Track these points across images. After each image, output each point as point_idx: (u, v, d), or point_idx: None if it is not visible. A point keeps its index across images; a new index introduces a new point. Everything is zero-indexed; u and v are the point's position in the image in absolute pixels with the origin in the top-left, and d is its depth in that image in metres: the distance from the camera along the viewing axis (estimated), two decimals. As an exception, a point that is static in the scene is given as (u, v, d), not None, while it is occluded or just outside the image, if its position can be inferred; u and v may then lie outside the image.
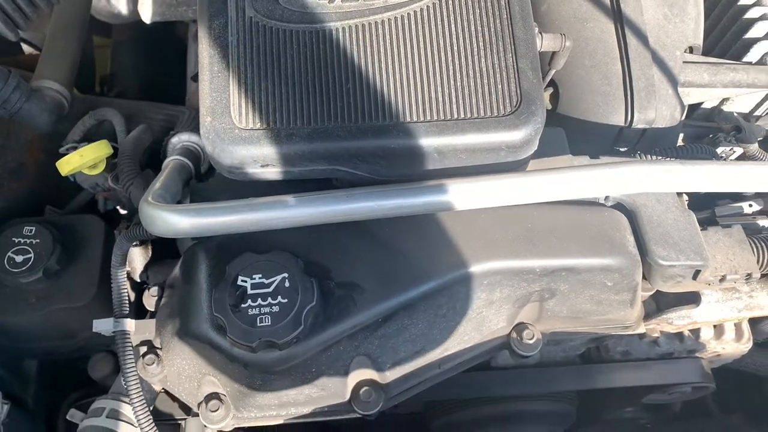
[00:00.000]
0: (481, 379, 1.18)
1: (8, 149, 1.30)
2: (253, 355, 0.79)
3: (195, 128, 1.02)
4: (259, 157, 0.78)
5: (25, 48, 1.74)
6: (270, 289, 0.78)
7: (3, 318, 1.06)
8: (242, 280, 0.78)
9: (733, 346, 1.20)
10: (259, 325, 0.76)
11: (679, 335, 1.16)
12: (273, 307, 0.77)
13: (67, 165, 0.95)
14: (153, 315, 1.01)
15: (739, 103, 1.20)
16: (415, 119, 0.79)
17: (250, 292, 0.77)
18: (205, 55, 0.80)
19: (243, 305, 0.77)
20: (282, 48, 0.80)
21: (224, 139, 0.77)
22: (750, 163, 0.83)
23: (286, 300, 0.77)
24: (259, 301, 0.77)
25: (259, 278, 0.78)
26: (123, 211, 1.26)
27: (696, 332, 1.16)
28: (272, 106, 0.78)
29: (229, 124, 0.78)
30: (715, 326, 1.17)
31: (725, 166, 0.80)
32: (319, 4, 0.82)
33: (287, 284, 0.78)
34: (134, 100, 1.44)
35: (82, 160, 0.94)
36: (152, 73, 1.85)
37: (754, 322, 1.30)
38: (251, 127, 0.78)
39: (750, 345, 1.21)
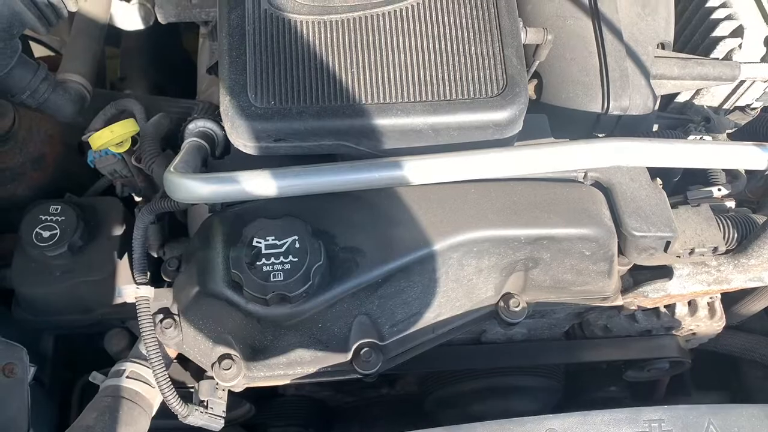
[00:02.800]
0: (473, 351, 1.26)
1: (30, 141, 1.39)
2: (266, 309, 0.88)
3: (210, 116, 1.11)
4: (273, 131, 0.87)
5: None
6: (282, 250, 0.86)
7: (30, 289, 1.14)
8: (257, 241, 0.86)
9: (707, 324, 1.29)
10: (272, 280, 0.85)
11: (656, 311, 1.25)
12: (285, 265, 0.85)
13: (99, 139, 1.04)
14: (169, 286, 1.10)
15: (709, 97, 1.30)
16: (412, 99, 0.88)
17: (264, 251, 0.86)
18: (225, 42, 0.90)
19: (258, 263, 0.85)
20: (293, 36, 0.90)
21: (241, 115, 0.87)
22: (706, 142, 0.93)
23: (296, 259, 0.86)
24: (272, 259, 0.86)
25: (272, 240, 0.87)
26: (138, 198, 1.35)
27: (671, 309, 1.25)
28: (285, 86, 0.88)
29: (246, 102, 0.87)
30: (689, 303, 1.27)
31: (685, 144, 0.90)
32: (326, -2, 0.92)
33: (297, 245, 0.86)
34: (140, 95, 1.54)
35: (112, 135, 1.03)
36: (159, 77, 1.95)
37: (728, 305, 1.40)
38: (265, 105, 0.87)
39: (722, 323, 1.30)
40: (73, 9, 1.17)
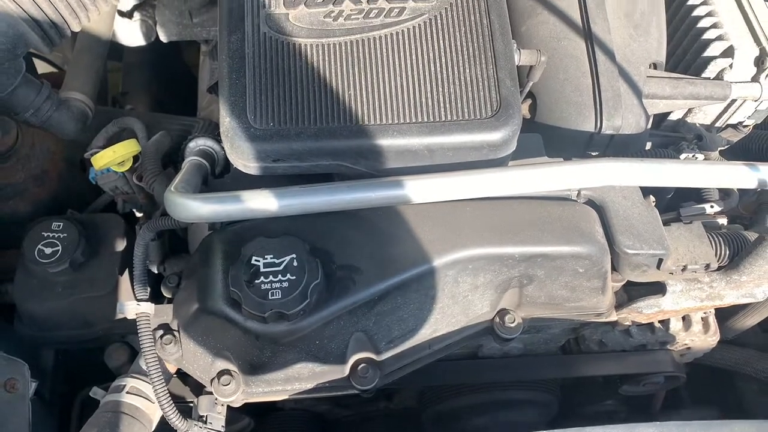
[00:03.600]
0: (470, 366, 1.27)
1: (33, 158, 1.41)
2: (264, 326, 0.89)
3: (210, 135, 1.13)
4: (272, 152, 0.89)
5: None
6: (280, 268, 0.88)
7: (31, 305, 1.16)
8: (255, 260, 0.88)
9: (701, 339, 1.31)
10: (270, 298, 0.86)
11: (651, 326, 1.27)
12: (283, 283, 0.87)
13: (101, 159, 1.06)
14: (170, 301, 1.11)
15: (702, 115, 1.32)
16: (408, 120, 0.90)
17: (262, 270, 0.88)
18: (225, 65, 0.92)
19: (256, 281, 0.87)
20: (292, 59, 0.92)
21: (241, 136, 0.89)
22: (695, 162, 0.95)
23: (294, 277, 0.87)
24: (271, 278, 0.87)
25: (271, 258, 0.88)
26: (139, 214, 1.37)
27: (666, 324, 1.27)
28: (283, 108, 0.90)
29: (246, 124, 0.89)
30: (683, 318, 1.28)
31: (674, 164, 0.92)
32: (324, 22, 0.94)
33: (295, 264, 0.88)
34: (141, 112, 1.56)
35: (114, 156, 1.05)
36: (161, 92, 1.98)
37: (722, 319, 1.41)
38: (265, 126, 0.89)
39: (716, 338, 1.32)
40: (76, 29, 1.19)
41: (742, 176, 0.95)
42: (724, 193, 1.24)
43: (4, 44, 1.09)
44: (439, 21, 0.95)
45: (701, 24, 1.27)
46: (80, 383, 1.42)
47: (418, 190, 0.91)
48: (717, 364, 1.49)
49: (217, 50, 0.96)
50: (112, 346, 1.27)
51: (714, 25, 1.26)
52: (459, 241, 0.96)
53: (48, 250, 1.14)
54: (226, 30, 0.93)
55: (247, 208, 0.88)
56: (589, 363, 1.31)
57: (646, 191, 1.10)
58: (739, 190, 1.26)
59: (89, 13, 1.18)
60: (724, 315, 1.41)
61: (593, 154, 1.14)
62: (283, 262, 0.88)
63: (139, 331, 1.02)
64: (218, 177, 1.08)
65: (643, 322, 1.23)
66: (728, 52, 1.23)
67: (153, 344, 1.01)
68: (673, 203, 1.23)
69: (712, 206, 1.21)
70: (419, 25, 0.95)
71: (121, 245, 1.22)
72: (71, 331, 1.22)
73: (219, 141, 1.09)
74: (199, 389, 1.17)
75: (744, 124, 1.38)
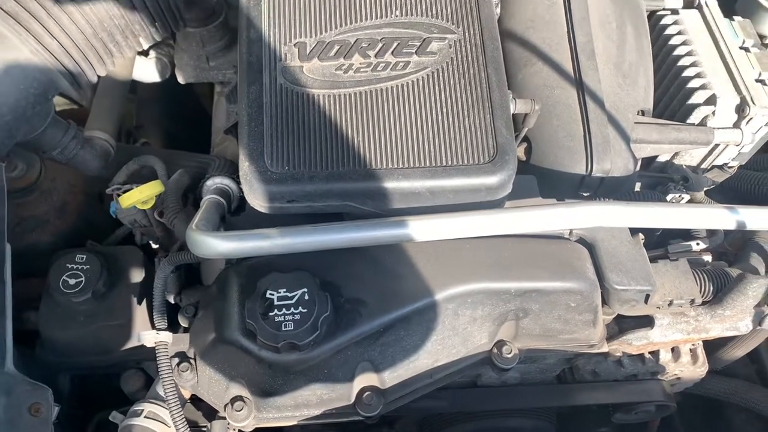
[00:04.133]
0: (469, 394, 1.33)
1: (54, 191, 1.49)
2: (277, 355, 0.96)
3: (225, 173, 1.21)
4: (287, 194, 0.97)
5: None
6: (293, 301, 0.95)
7: (55, 332, 1.22)
8: (270, 293, 0.95)
9: (690, 369, 1.37)
10: (283, 329, 0.93)
11: (641, 357, 1.33)
12: (295, 315, 0.94)
13: (128, 199, 1.14)
14: (186, 330, 1.18)
15: (688, 157, 1.40)
16: (412, 165, 0.98)
17: (276, 303, 0.95)
18: (244, 113, 1.00)
19: (270, 313, 0.94)
20: (306, 108, 1.00)
21: (259, 179, 0.96)
22: (678, 205, 1.02)
23: (305, 310, 0.94)
24: (284, 310, 0.94)
25: (284, 292, 0.95)
26: (155, 246, 1.44)
27: (656, 355, 1.33)
28: (298, 153, 0.98)
29: (263, 168, 0.97)
30: (673, 350, 1.34)
31: (658, 207, 1.00)
32: (336, 74, 1.02)
33: (307, 297, 0.95)
34: (158, 149, 1.64)
35: (140, 195, 1.13)
36: (172, 125, 2.07)
37: (711, 350, 1.48)
38: (280, 170, 0.97)
39: (705, 369, 1.38)
40: (102, 74, 1.28)
41: (720, 218, 1.02)
42: (710, 232, 1.31)
43: (37, 89, 1.17)
44: (440, 74, 1.03)
45: (686, 73, 1.35)
46: (93, 407, 1.47)
47: (421, 229, 0.99)
48: (707, 394, 1.55)
49: (237, 98, 1.04)
50: (128, 372, 1.33)
51: (698, 75, 1.34)
52: (458, 277, 1.03)
53: (72, 281, 1.21)
54: (246, 81, 1.01)
55: (263, 246, 0.95)
56: (583, 392, 1.36)
57: (635, 229, 1.17)
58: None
59: (115, 59, 1.27)
60: (713, 347, 1.48)
61: (585, 195, 1.22)
62: (295, 295, 0.95)
63: (157, 358, 1.08)
64: (234, 213, 1.16)
65: (634, 353, 1.29)
66: (711, 101, 1.32)
67: (171, 371, 1.08)
68: (663, 240, 1.30)
69: (698, 243, 1.28)
70: (422, 77, 1.03)
71: (139, 276, 1.29)
72: (90, 358, 1.29)
73: (234, 179, 1.16)
74: (211, 415, 1.23)
75: (729, 165, 1.46)
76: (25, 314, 1.32)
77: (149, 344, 1.11)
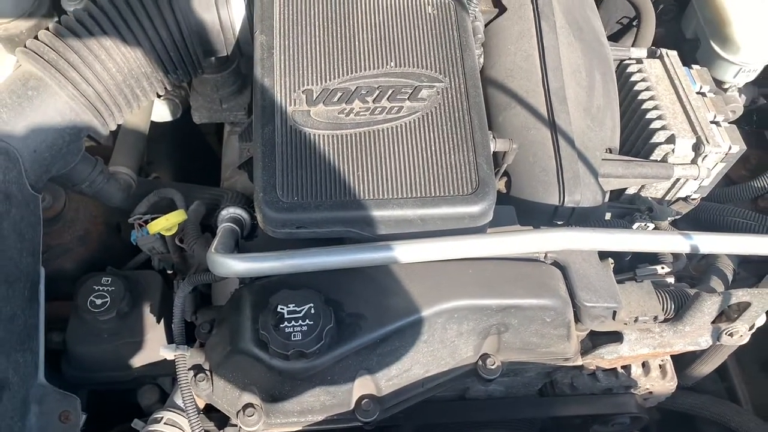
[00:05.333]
0: (458, 406, 1.45)
1: (77, 221, 1.63)
2: (287, 363, 1.08)
3: (238, 204, 1.35)
4: (296, 221, 1.11)
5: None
6: (300, 314, 1.08)
7: (81, 348, 1.35)
8: (281, 308, 1.08)
9: (660, 384, 1.49)
10: (293, 339, 1.06)
11: (615, 372, 1.46)
12: (303, 327, 1.07)
13: (156, 226, 1.28)
14: (201, 346, 1.31)
15: (653, 190, 1.56)
16: (405, 195, 1.12)
17: (286, 316, 1.08)
18: (259, 150, 1.14)
19: (281, 325, 1.07)
20: (313, 146, 1.15)
21: (272, 208, 1.10)
22: (637, 231, 1.17)
23: (312, 322, 1.07)
24: (293, 323, 1.07)
25: (293, 306, 1.08)
26: (169, 271, 1.58)
27: (628, 369, 1.46)
28: (306, 185, 1.12)
29: (275, 198, 1.11)
30: (643, 365, 1.47)
31: (621, 232, 1.14)
32: (338, 117, 1.18)
33: (313, 311, 1.08)
34: (173, 183, 1.78)
35: (167, 223, 1.27)
36: (182, 160, 2.21)
37: (681, 367, 1.61)
38: (290, 200, 1.11)
39: (674, 383, 1.50)
40: (128, 117, 1.43)
41: (674, 243, 1.17)
42: (675, 257, 1.46)
43: (72, 130, 1.31)
44: (430, 117, 1.19)
45: (648, 116, 1.52)
46: (109, 422, 1.58)
47: (413, 251, 1.12)
48: (679, 408, 1.67)
49: (251, 137, 1.19)
50: (144, 386, 1.45)
51: (659, 117, 1.51)
52: (446, 294, 1.17)
53: (98, 301, 1.34)
54: (261, 122, 1.16)
55: (275, 266, 1.09)
56: (563, 404, 1.49)
57: (605, 255, 1.31)
58: (687, 254, 1.48)
59: (140, 102, 1.42)
60: (683, 364, 1.61)
61: (558, 223, 1.37)
62: (303, 309, 1.08)
63: (176, 369, 1.20)
64: (246, 239, 1.29)
65: (607, 367, 1.42)
66: (671, 140, 1.48)
67: (188, 382, 1.20)
68: (633, 264, 1.45)
69: (663, 268, 1.42)
70: (414, 120, 1.18)
71: (158, 298, 1.42)
72: (112, 373, 1.41)
73: (246, 209, 1.30)
74: (222, 423, 1.35)
75: (692, 197, 1.62)
76: (49, 335, 1.44)
77: (169, 357, 1.23)
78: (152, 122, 2.04)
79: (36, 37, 1.29)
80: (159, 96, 1.78)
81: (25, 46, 1.29)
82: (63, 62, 1.27)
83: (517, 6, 1.56)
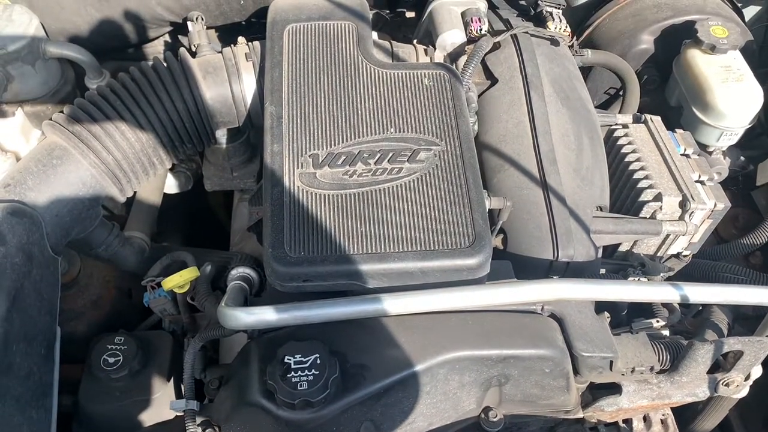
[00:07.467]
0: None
1: (91, 286, 1.69)
2: (293, 413, 1.11)
3: (247, 265, 1.41)
4: (303, 274, 1.17)
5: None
6: (307, 365, 1.12)
7: (94, 406, 1.37)
8: (287, 358, 1.12)
9: (662, 439, 1.51)
10: (299, 388, 1.09)
11: (617, 426, 1.47)
12: (309, 377, 1.11)
13: (170, 282, 1.34)
14: (210, 402, 1.34)
15: (645, 247, 1.62)
16: (405, 249, 1.19)
17: (293, 366, 1.12)
18: (269, 210, 1.22)
19: (288, 375, 1.11)
20: (319, 205, 1.23)
21: (280, 263, 1.17)
22: (624, 282, 1.22)
23: (318, 372, 1.11)
24: (299, 373, 1.11)
25: (300, 357, 1.12)
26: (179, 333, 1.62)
27: (629, 424, 1.47)
28: (312, 241, 1.19)
29: (283, 253, 1.18)
30: (644, 419, 1.49)
31: (614, 284, 1.20)
32: (342, 178, 1.26)
33: (318, 362, 1.12)
34: (184, 248, 1.85)
35: (180, 280, 1.33)
36: (190, 229, 2.29)
37: (683, 424, 1.62)
38: (298, 255, 1.18)
39: (676, 439, 1.52)
40: (144, 184, 1.52)
41: (665, 293, 1.22)
42: (669, 311, 1.50)
43: (91, 196, 1.40)
44: (428, 177, 1.27)
45: (636, 176, 1.60)
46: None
47: (414, 303, 1.18)
48: (685, 466, 1.66)
49: (261, 199, 1.27)
50: (153, 446, 1.47)
51: (646, 177, 1.59)
52: (447, 345, 1.21)
53: (111, 360, 1.38)
54: (270, 184, 1.25)
55: (282, 318, 1.14)
56: (566, 460, 1.49)
57: (601, 309, 1.36)
58: (682, 308, 1.53)
59: (156, 171, 1.51)
60: (685, 420, 1.62)
61: (554, 278, 1.42)
62: (309, 360, 1.13)
63: (186, 424, 1.24)
64: (256, 296, 1.35)
65: (608, 420, 1.44)
66: (658, 198, 1.55)
67: (198, 435, 1.23)
68: (629, 319, 1.49)
69: (658, 321, 1.47)
70: (413, 180, 1.26)
71: (168, 357, 1.46)
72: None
73: (255, 269, 1.37)
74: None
75: (683, 254, 1.68)
76: (59, 397, 1.46)
77: (179, 412, 1.27)
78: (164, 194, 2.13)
79: (61, 111, 1.40)
80: (173, 165, 1.90)
81: (50, 119, 1.39)
82: (86, 133, 1.37)
83: (507, 77, 1.68)
